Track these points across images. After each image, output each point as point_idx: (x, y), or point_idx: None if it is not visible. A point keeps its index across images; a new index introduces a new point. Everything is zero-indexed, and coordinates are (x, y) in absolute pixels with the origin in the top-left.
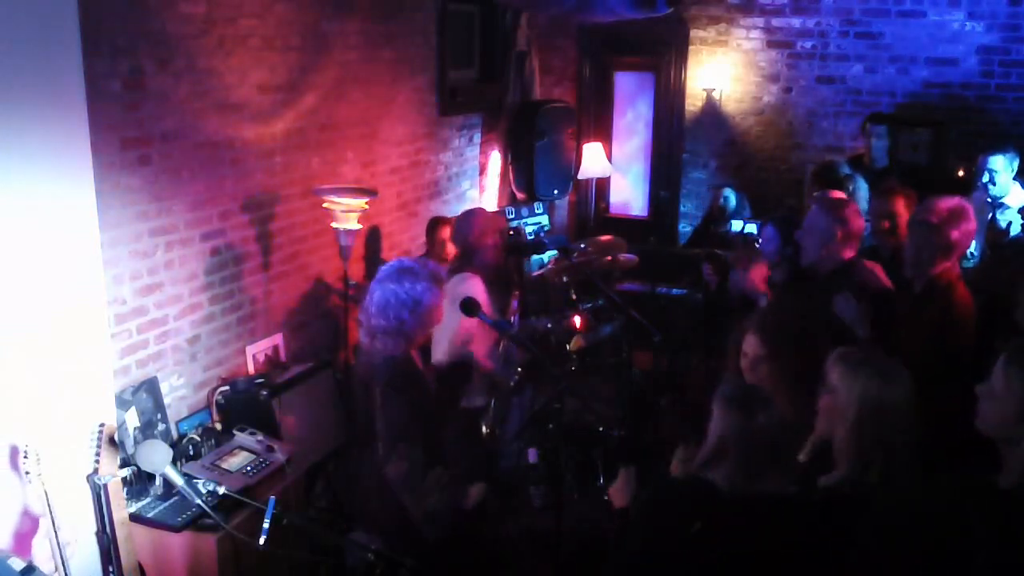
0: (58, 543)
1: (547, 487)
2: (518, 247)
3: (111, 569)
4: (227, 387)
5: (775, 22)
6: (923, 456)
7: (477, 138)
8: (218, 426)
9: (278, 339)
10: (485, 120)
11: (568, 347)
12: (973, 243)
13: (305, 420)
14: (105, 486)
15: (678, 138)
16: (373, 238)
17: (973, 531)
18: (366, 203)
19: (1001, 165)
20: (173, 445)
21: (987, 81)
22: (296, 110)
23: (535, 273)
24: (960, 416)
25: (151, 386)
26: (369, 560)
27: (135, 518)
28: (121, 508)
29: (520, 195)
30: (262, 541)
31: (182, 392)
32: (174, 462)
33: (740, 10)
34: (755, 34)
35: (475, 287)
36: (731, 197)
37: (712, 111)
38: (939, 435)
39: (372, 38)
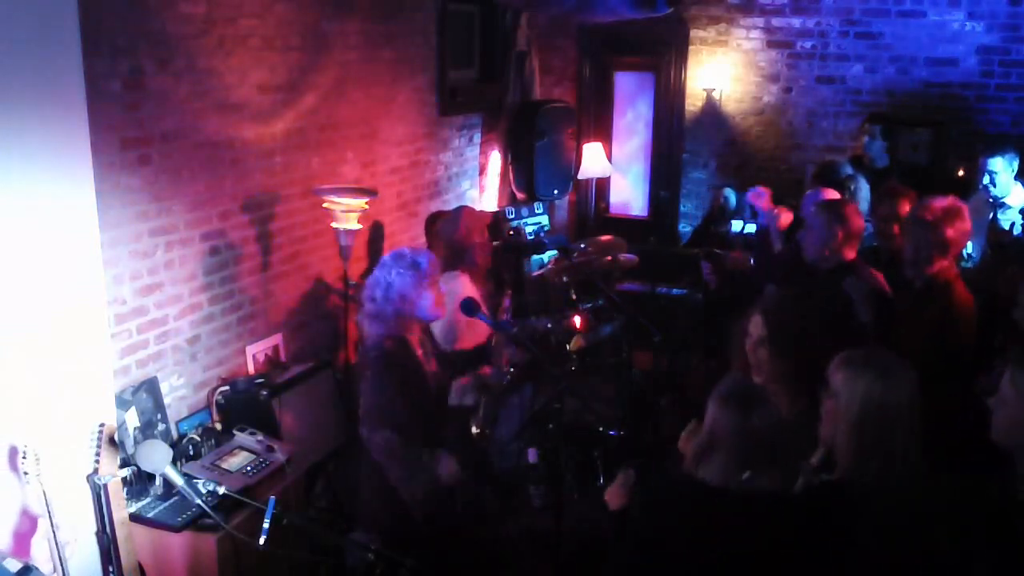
0: (57, 543)
1: (547, 487)
2: (518, 247)
3: (111, 569)
4: (227, 387)
5: (775, 22)
6: (923, 456)
7: (477, 138)
8: (218, 426)
9: (278, 339)
10: (485, 120)
11: (568, 347)
12: (973, 244)
13: (305, 420)
14: (105, 486)
15: (678, 138)
16: (373, 238)
17: (973, 531)
18: (366, 203)
19: (1001, 166)
20: (173, 445)
21: (987, 81)
22: (296, 110)
23: (535, 273)
24: (960, 415)
25: (151, 386)
26: (369, 560)
27: (135, 518)
28: (121, 508)
29: (520, 195)
30: (262, 541)
31: (182, 392)
32: (174, 462)
33: (740, 10)
34: (755, 34)
35: (464, 285)
36: (731, 197)
37: (712, 111)
38: (939, 434)
39: (372, 38)
